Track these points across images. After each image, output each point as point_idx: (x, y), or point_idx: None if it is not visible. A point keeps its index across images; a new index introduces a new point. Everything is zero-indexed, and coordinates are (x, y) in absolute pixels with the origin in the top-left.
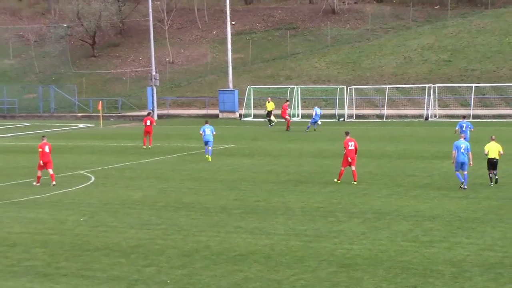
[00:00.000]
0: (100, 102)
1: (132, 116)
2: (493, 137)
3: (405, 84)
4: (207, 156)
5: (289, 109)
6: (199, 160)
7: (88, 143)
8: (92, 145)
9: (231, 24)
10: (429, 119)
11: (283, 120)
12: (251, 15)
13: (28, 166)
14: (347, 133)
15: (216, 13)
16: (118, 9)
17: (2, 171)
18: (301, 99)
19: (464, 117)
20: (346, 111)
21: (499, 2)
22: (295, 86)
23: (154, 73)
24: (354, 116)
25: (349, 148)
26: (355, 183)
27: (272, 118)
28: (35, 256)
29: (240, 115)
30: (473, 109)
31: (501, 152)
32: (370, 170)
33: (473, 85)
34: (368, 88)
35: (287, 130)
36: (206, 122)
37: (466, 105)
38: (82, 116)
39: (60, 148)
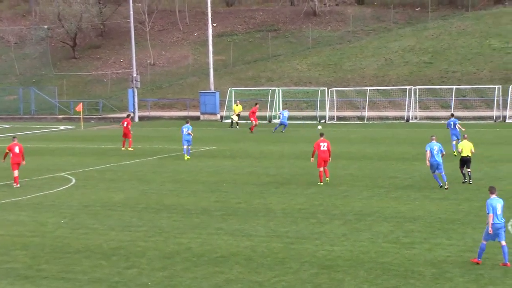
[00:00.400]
0: (81, 104)
1: (113, 118)
2: (466, 136)
3: (386, 86)
4: (186, 155)
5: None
6: (180, 162)
7: (69, 145)
8: (73, 147)
9: (213, 26)
10: (410, 121)
11: (250, 121)
12: (232, 17)
13: (6, 168)
14: (321, 135)
15: (197, 15)
16: (99, 11)
17: None
18: (282, 101)
19: (452, 115)
20: (327, 113)
21: (480, 4)
22: (277, 88)
23: (135, 75)
24: (335, 118)
25: (322, 148)
26: (328, 179)
27: (234, 118)
28: (15, 259)
29: (221, 117)
30: (453, 110)
31: (473, 150)
32: (351, 172)
33: (454, 87)
34: (349, 90)
35: (251, 132)
36: (187, 122)
37: (446, 106)
38: (63, 118)
39: (41, 150)
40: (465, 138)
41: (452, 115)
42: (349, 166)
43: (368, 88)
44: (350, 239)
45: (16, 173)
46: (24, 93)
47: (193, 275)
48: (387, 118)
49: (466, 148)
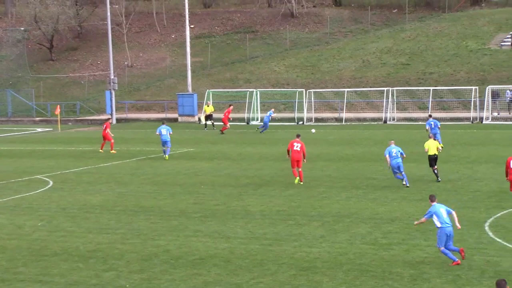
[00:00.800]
0: (58, 106)
1: (91, 120)
2: (431, 135)
3: (363, 87)
4: (165, 156)
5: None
6: (158, 164)
7: (46, 148)
8: (50, 149)
9: (190, 27)
10: (388, 122)
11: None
12: (210, 19)
13: None
14: (297, 136)
15: (175, 17)
16: (76, 12)
17: None
18: (260, 102)
19: (430, 115)
20: (305, 115)
21: (456, 6)
22: (254, 90)
23: (112, 76)
24: (313, 119)
25: (295, 148)
26: (302, 183)
27: (201, 118)
28: None
29: (199, 119)
30: (431, 112)
31: (440, 148)
32: (329, 173)
33: (431, 88)
34: (327, 91)
35: (221, 132)
36: (163, 123)
37: (424, 108)
38: (40, 120)
39: (18, 153)
40: (430, 138)
41: (430, 115)
42: (327, 168)
43: (346, 89)
44: (328, 240)
45: None
46: (1, 95)
47: (171, 277)
48: (365, 119)
49: (432, 147)
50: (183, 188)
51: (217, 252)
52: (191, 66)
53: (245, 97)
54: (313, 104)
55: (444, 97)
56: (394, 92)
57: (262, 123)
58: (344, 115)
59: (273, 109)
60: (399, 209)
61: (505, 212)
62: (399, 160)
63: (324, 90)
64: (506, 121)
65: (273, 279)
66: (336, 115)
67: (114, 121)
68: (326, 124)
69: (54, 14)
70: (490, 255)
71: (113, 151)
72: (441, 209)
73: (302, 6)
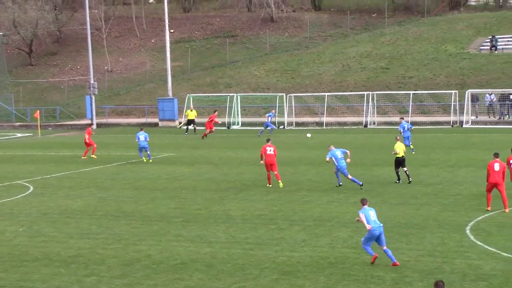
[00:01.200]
0: (38, 111)
1: (71, 125)
2: (398, 137)
3: (343, 91)
4: (144, 159)
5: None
6: (139, 169)
7: (27, 153)
8: (31, 154)
9: (170, 32)
10: (368, 126)
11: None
12: (189, 23)
13: None
14: (267, 140)
15: (155, 21)
16: (55, 17)
17: None
18: (240, 107)
19: (402, 118)
20: (286, 119)
21: (435, 10)
22: (235, 94)
23: (92, 81)
24: (294, 123)
25: (268, 152)
26: (281, 184)
27: (181, 122)
28: None
29: (180, 123)
30: (411, 116)
31: (405, 150)
32: (310, 178)
33: (411, 92)
34: (308, 95)
35: (202, 137)
36: (141, 129)
37: (404, 112)
38: (20, 126)
39: None
40: (397, 140)
41: (402, 118)
42: (308, 172)
43: (326, 93)
44: (310, 244)
45: None
46: None
47: (153, 282)
48: (345, 123)
49: (401, 149)
50: (164, 193)
51: (199, 256)
52: (171, 70)
53: (225, 102)
54: (293, 108)
55: (424, 101)
56: (374, 96)
57: (269, 128)
58: (325, 119)
59: (273, 110)
60: (380, 213)
61: (486, 215)
62: (344, 162)
63: (304, 94)
64: (486, 124)
65: (255, 284)
66: (316, 119)
67: (95, 126)
68: (307, 128)
69: (33, 18)
70: (471, 259)
71: (93, 155)
72: (370, 212)
73: (281, 10)
